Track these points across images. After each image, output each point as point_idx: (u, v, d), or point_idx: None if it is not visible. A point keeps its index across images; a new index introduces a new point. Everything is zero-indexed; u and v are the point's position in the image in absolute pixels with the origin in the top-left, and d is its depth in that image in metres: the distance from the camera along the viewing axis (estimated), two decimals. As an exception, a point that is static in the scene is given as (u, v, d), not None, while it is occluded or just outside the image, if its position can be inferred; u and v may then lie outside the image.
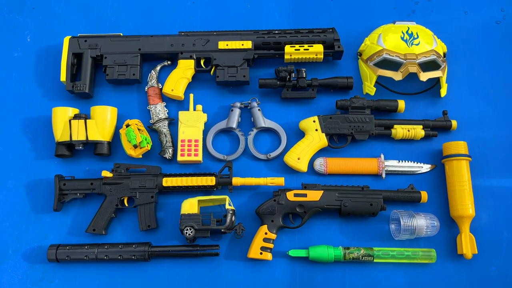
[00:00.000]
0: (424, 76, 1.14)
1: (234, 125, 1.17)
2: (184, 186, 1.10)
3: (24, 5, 1.32)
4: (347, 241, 1.09)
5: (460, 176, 1.09)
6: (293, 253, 1.07)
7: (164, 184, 1.09)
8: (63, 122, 1.13)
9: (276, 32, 1.21)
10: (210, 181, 1.09)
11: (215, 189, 1.11)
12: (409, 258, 1.06)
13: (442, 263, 1.07)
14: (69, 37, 1.21)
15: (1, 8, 1.32)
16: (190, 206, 1.06)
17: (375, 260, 1.06)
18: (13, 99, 1.23)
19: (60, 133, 1.13)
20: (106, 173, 1.11)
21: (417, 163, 1.15)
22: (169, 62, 1.24)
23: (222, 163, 1.15)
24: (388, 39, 1.18)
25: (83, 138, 1.12)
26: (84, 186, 1.11)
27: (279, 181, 1.09)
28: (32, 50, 1.27)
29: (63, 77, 1.18)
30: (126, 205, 1.12)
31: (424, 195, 1.10)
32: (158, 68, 1.23)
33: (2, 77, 1.25)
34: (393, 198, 1.09)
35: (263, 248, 1.07)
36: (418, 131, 1.14)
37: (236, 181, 1.10)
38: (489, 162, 1.15)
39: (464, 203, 1.07)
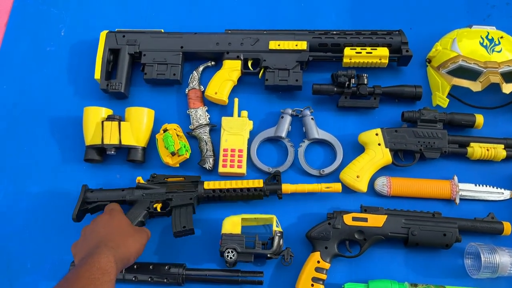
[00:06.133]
0: (508, 88, 0.99)
1: (284, 134, 1.04)
2: (227, 191, 0.97)
3: (61, -2, 1.23)
4: (414, 276, 0.93)
5: (551, 206, 0.93)
6: (349, 286, 0.91)
7: (206, 186, 0.97)
8: (95, 123, 1.02)
9: (335, 32, 1.08)
10: (257, 183, 0.97)
11: (263, 196, 0.98)
12: (488, 301, 0.89)
13: (528, 309, 0.90)
14: (106, 31, 1.11)
15: (36, 0, 1.23)
16: (232, 225, 0.93)
17: (447, 301, 0.89)
18: (43, 97, 1.13)
19: (91, 136, 1.02)
20: (140, 180, 1.00)
21: (497, 188, 0.99)
22: (213, 63, 1.12)
23: (267, 176, 1.01)
24: (465, 44, 1.03)
25: (115, 142, 1.00)
26: (113, 194, 0.99)
27: (336, 187, 0.97)
28: (66, 44, 1.18)
29: (97, 74, 1.08)
30: (159, 210, 0.98)
31: (508, 227, 0.93)
32: (201, 68, 1.11)
33: (33, 72, 1.15)
34: (469, 228, 0.93)
35: (315, 279, 0.92)
36: (499, 150, 0.98)
37: (287, 187, 0.98)
38: None
39: (556, 239, 0.91)
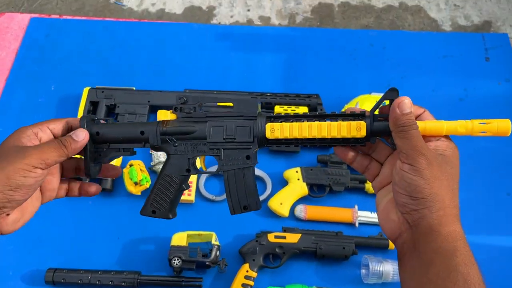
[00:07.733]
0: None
1: (226, 172, 1.31)
2: (304, 140, 0.63)
3: (52, 60, 1.53)
4: (321, 282, 1.18)
5: (425, 228, 1.21)
6: (271, 289, 1.16)
7: (269, 135, 0.63)
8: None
9: (268, 94, 1.40)
10: (355, 129, 0.61)
11: (364, 144, 0.64)
12: (377, 301, 1.15)
13: (408, 308, 1.16)
14: (89, 88, 1.41)
15: (32, 62, 1.53)
16: (179, 239, 1.17)
17: (346, 301, 1.14)
18: (32, 137, 1.39)
19: (70, 169, 1.27)
20: (164, 114, 0.68)
21: (387, 215, 1.28)
22: (173, 114, 1.41)
23: (212, 204, 1.27)
24: (364, 106, 1.36)
25: (90, 173, 1.26)
26: (129, 133, 0.68)
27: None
28: (55, 97, 1.46)
29: (79, 120, 1.35)
30: (205, 168, 0.70)
31: (391, 243, 1.21)
32: (163, 118, 1.39)
33: (27, 118, 1.42)
34: (363, 244, 1.20)
35: (244, 285, 1.16)
36: (388, 186, 1.29)
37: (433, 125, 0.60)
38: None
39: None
